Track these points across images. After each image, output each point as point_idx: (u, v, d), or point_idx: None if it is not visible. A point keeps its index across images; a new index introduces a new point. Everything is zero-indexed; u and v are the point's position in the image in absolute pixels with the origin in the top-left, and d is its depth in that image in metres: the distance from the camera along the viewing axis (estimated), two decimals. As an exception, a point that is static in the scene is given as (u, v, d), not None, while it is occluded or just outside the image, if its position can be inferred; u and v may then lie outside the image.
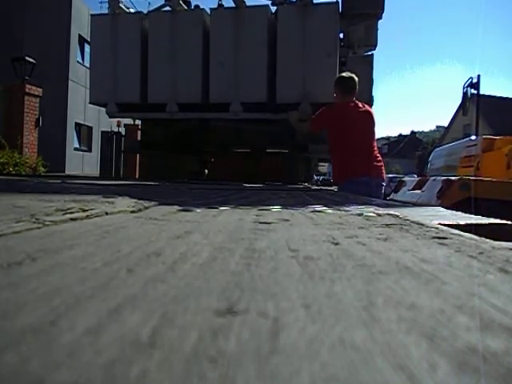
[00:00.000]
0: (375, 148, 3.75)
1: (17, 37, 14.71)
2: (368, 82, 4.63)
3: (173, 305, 0.36)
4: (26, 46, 13.75)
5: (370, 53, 5.16)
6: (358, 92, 3.77)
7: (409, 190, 5.77)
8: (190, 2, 5.25)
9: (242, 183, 4.29)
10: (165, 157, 5.31)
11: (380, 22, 5.04)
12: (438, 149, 8.90)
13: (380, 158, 3.74)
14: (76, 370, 0.24)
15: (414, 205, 2.45)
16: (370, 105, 4.48)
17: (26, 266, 0.48)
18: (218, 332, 0.30)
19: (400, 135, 60.07)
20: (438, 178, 5.15)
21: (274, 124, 4.84)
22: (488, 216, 1.37)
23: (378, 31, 5.12)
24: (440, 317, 0.34)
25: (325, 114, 3.69)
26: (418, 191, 5.38)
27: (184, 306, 0.36)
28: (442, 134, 34.02)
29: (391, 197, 6.27)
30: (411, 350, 0.28)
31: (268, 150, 5.11)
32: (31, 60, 9.90)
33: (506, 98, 29.51)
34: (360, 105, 3.66)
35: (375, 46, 5.24)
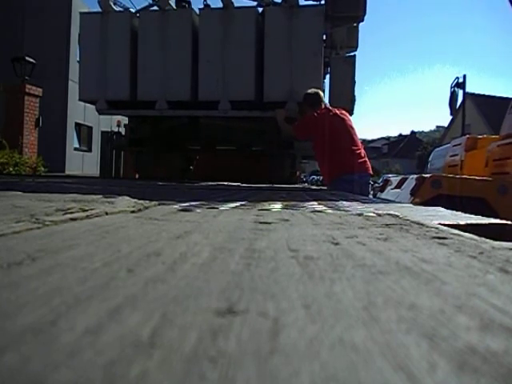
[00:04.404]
0: (358, 144, 3.94)
1: (17, 37, 14.70)
2: (349, 82, 4.78)
3: (173, 305, 0.36)
4: (26, 46, 13.73)
5: (352, 54, 5.28)
6: (338, 93, 4.36)
7: (392, 189, 5.88)
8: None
9: (230, 181, 4.36)
10: (151, 154, 5.37)
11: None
12: (437, 149, 8.93)
13: (364, 154, 3.94)
14: (76, 370, 0.24)
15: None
16: (352, 104, 4.76)
17: (26, 266, 0.48)
18: (218, 332, 0.30)
19: (400, 135, 60.11)
20: (415, 176, 5.25)
21: (260, 122, 4.90)
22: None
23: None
24: (440, 317, 0.34)
25: (305, 124, 3.96)
26: (399, 190, 5.47)
27: (184, 306, 0.36)
28: (442, 134, 34.03)
29: (377, 195, 6.36)
30: (411, 350, 0.28)
31: (254, 148, 5.20)
32: (31, 60, 9.90)
33: (507, 98, 29.47)
34: (331, 109, 3.94)
35: (356, 47, 5.37)
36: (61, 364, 0.24)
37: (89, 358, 0.25)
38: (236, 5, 4.76)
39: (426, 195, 4.62)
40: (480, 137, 6.80)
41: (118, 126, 9.13)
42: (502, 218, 1.33)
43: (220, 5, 4.73)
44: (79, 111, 15.90)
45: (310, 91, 4.03)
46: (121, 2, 5.25)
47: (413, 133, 56.31)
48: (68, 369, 0.24)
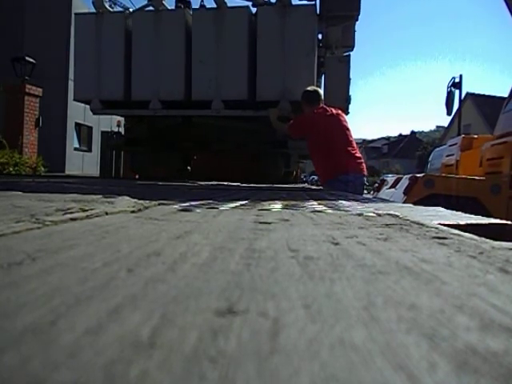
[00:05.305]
0: (354, 145, 3.97)
1: (17, 37, 14.69)
2: (344, 81, 4.80)
3: (173, 305, 0.36)
4: (26, 46, 13.73)
5: (346, 53, 5.30)
6: (333, 93, 4.43)
7: (387, 189, 5.93)
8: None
9: (226, 181, 4.39)
10: (146, 154, 5.40)
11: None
12: (437, 149, 8.94)
13: (359, 155, 3.97)
14: (76, 370, 0.24)
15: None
16: (347, 104, 4.80)
17: (26, 266, 0.48)
18: (218, 332, 0.30)
19: (400, 135, 60.10)
20: (409, 175, 5.30)
21: (254, 121, 4.94)
22: None
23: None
24: (440, 317, 0.34)
25: (300, 123, 3.98)
26: (393, 189, 5.51)
27: (184, 306, 0.36)
28: (442, 134, 34.03)
29: (374, 195, 6.40)
30: (411, 350, 0.28)
31: (249, 147, 5.23)
32: (31, 60, 9.91)
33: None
34: (328, 109, 3.94)
35: (353, 47, 5.39)
36: (61, 364, 0.24)
37: (89, 358, 0.25)
38: (230, 4, 4.79)
39: (418, 194, 4.66)
40: (475, 136, 6.84)
41: (118, 126, 9.14)
42: (494, 218, 1.34)
43: (214, 5, 4.75)
44: (79, 111, 15.88)
45: (309, 88, 4.04)
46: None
47: (413, 133, 56.32)
48: (68, 369, 0.24)
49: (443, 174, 5.66)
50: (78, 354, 0.26)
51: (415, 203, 2.89)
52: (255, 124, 4.97)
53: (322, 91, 4.20)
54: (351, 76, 4.95)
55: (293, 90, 4.40)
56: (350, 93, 4.96)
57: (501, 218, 1.28)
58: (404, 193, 4.91)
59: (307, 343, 0.28)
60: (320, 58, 4.92)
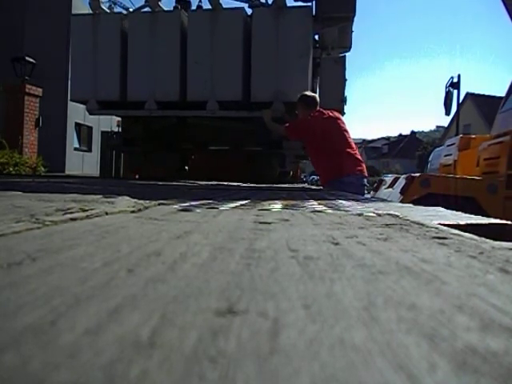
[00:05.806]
0: (353, 146, 3.99)
1: (17, 37, 14.69)
2: (340, 82, 4.84)
3: (173, 305, 0.36)
4: (26, 46, 13.73)
5: (342, 54, 5.32)
6: (328, 94, 4.53)
7: (385, 189, 5.95)
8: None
9: (222, 181, 4.42)
10: (143, 153, 5.43)
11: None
12: (437, 149, 8.95)
13: (359, 156, 4.00)
14: (76, 370, 0.24)
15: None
16: (343, 105, 4.85)
17: (26, 266, 0.48)
18: (218, 332, 0.30)
19: (400, 135, 60.09)
20: (406, 175, 5.33)
21: (249, 122, 4.97)
22: None
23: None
24: (440, 317, 0.34)
25: (297, 126, 4.00)
26: (391, 189, 5.54)
27: (184, 306, 0.36)
28: (441, 134, 34.03)
29: (372, 195, 6.42)
30: (411, 350, 0.28)
31: (244, 148, 5.25)
32: (31, 60, 9.91)
33: (506, 98, 29.35)
34: (324, 112, 3.97)
35: (349, 47, 5.41)
36: (61, 364, 0.24)
37: (89, 359, 0.25)
38: (226, 6, 4.82)
39: (415, 194, 4.69)
40: (473, 136, 6.86)
41: (118, 126, 9.13)
42: (491, 217, 1.34)
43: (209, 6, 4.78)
44: (79, 111, 15.85)
45: (307, 93, 4.12)
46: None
47: (413, 133, 56.33)
48: (68, 369, 0.24)
49: (440, 174, 5.69)
50: (77, 354, 0.26)
51: (411, 203, 2.90)
52: (250, 125, 5.01)
53: (318, 98, 4.24)
54: (348, 76, 4.99)
55: (286, 91, 4.45)
56: (347, 93, 5.00)
57: (497, 218, 1.28)
58: (401, 192, 4.93)
59: (307, 343, 0.28)
60: (316, 59, 4.95)
